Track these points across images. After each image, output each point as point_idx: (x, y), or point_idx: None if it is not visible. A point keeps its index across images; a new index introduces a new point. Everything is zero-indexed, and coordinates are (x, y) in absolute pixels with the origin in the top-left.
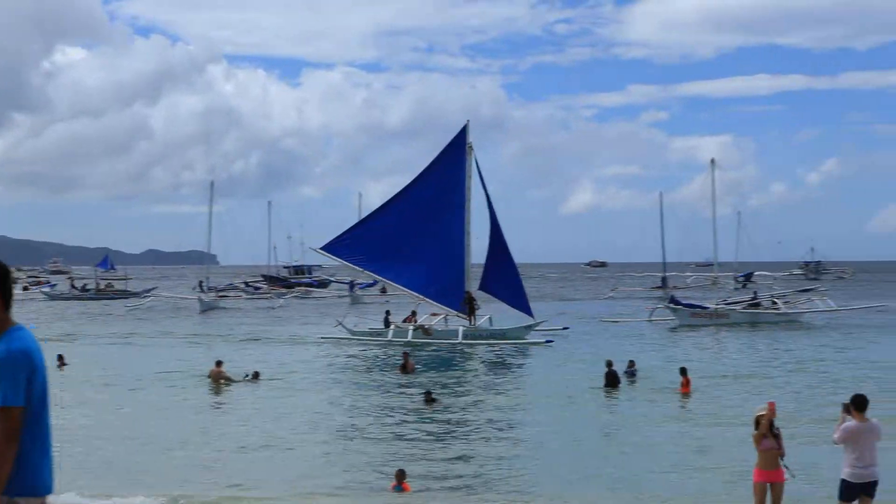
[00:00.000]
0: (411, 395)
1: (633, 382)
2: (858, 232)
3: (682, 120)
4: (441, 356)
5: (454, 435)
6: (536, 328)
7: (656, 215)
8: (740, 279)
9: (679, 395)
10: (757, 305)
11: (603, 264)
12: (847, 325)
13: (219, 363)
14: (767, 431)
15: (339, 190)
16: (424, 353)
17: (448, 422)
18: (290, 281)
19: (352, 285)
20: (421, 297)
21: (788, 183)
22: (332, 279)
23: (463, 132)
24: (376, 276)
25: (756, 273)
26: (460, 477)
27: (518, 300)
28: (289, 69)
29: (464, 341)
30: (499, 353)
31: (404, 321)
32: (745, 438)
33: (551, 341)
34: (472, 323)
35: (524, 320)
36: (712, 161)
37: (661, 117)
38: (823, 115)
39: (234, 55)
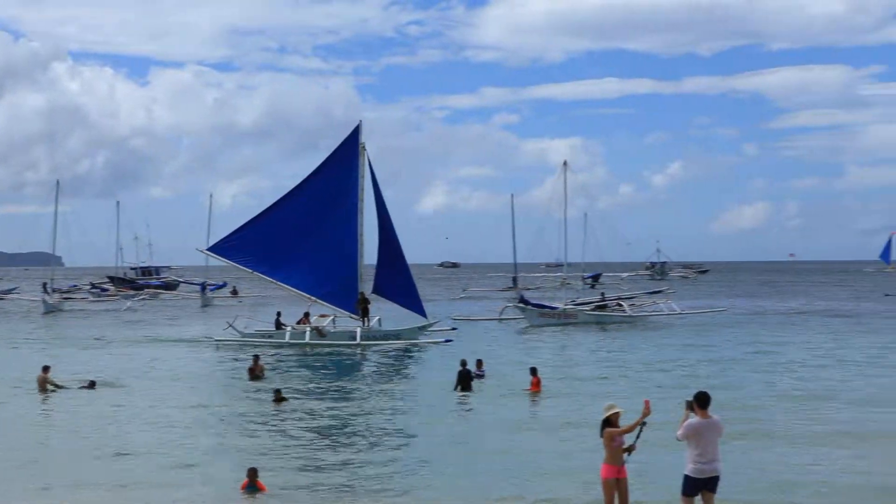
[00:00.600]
0: (261, 398)
1: (481, 382)
2: (702, 232)
3: (532, 122)
4: (335, 358)
5: (307, 438)
6: (430, 328)
7: (508, 216)
8: (588, 280)
9: (529, 394)
10: (604, 307)
11: (455, 265)
12: (691, 323)
13: (45, 368)
14: (621, 431)
15: (190, 191)
16: (316, 356)
17: (300, 422)
18: (138, 283)
19: (203, 287)
20: (312, 298)
21: (636, 185)
22: (181, 280)
23: (355, 132)
24: (265, 278)
25: (604, 274)
26: (318, 481)
27: (411, 301)
28: (136, 67)
29: (362, 342)
30: (393, 354)
31: (298, 323)
32: (594, 439)
33: (450, 340)
34: (366, 324)
35: (416, 321)
36: (565, 163)
37: (512, 120)
38: (669, 118)
39: (80, 52)
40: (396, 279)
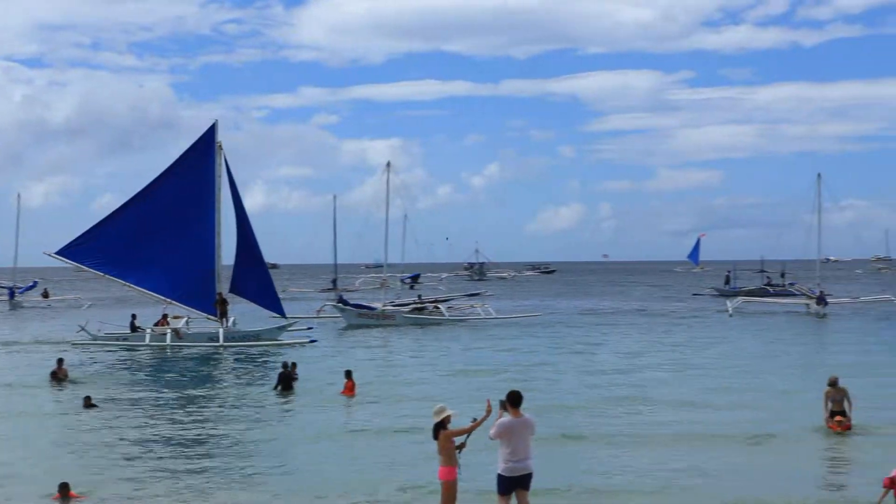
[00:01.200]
0: (69, 404)
1: (295, 383)
2: (519, 233)
3: (352, 123)
4: (193, 360)
5: (119, 445)
6: (289, 328)
7: (329, 217)
8: (407, 280)
9: (344, 397)
10: (422, 308)
11: (274, 266)
12: (509, 325)
13: None
14: (461, 431)
15: None
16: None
17: (111, 430)
18: None
19: (11, 291)
20: (168, 300)
21: (455, 186)
22: None
23: (211, 131)
24: (118, 280)
25: (424, 274)
26: (132, 492)
27: (269, 301)
28: None
29: (225, 343)
30: (245, 355)
31: (156, 325)
32: (417, 441)
33: (315, 340)
34: (224, 325)
35: (269, 320)
36: (388, 164)
37: (332, 120)
38: (486, 120)
39: None
40: (254, 279)
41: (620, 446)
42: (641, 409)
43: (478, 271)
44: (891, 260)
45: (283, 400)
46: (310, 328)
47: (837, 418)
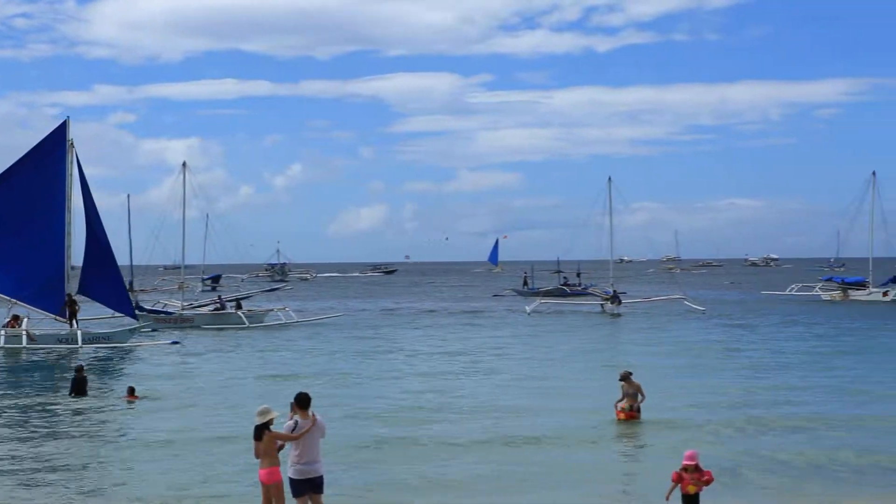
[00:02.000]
0: None
1: (87, 388)
2: (322, 234)
3: (150, 122)
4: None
5: None
6: (142, 331)
7: (124, 217)
8: (207, 281)
9: (136, 403)
10: (222, 309)
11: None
12: (309, 326)
13: None
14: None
15: None
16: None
17: None
18: None
19: None
20: (13, 300)
21: (256, 186)
22: None
23: (62, 128)
24: None
25: (224, 275)
26: None
27: (119, 302)
28: None
29: (83, 346)
30: (109, 356)
31: (5, 326)
32: (214, 450)
33: (178, 342)
34: (73, 327)
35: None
36: (184, 164)
37: (129, 119)
38: (287, 120)
39: None
40: (104, 280)
41: (423, 452)
42: (444, 413)
43: (279, 272)
44: (680, 260)
45: (77, 407)
46: (151, 328)
47: (623, 405)
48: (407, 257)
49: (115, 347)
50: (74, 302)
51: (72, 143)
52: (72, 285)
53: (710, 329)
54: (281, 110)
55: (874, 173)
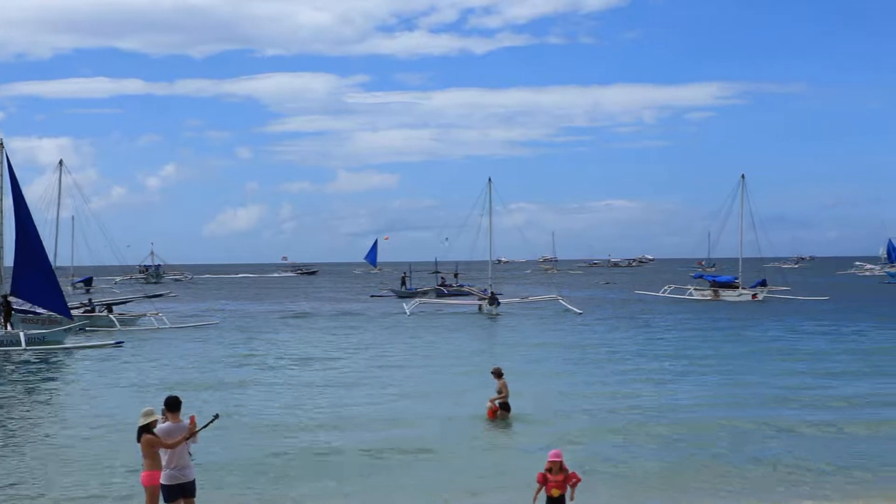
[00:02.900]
0: None
1: None
2: (197, 235)
3: (19, 120)
4: None
5: None
6: (78, 330)
7: None
8: (79, 284)
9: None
10: (93, 312)
11: None
12: (185, 331)
13: None
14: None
15: None
16: None
17: None
18: None
19: None
20: None
21: (130, 187)
22: None
23: None
24: None
25: (97, 277)
26: None
27: (53, 302)
28: None
29: (28, 347)
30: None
31: None
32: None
33: (121, 342)
34: (7, 329)
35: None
36: (60, 162)
37: None
38: (161, 120)
39: None
40: (36, 281)
41: (306, 464)
42: (322, 421)
43: (154, 274)
44: (557, 260)
45: None
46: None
47: (489, 402)
48: (284, 258)
49: (52, 349)
50: (9, 304)
51: (1, 144)
52: (5, 287)
53: (585, 329)
54: (155, 110)
55: (743, 176)
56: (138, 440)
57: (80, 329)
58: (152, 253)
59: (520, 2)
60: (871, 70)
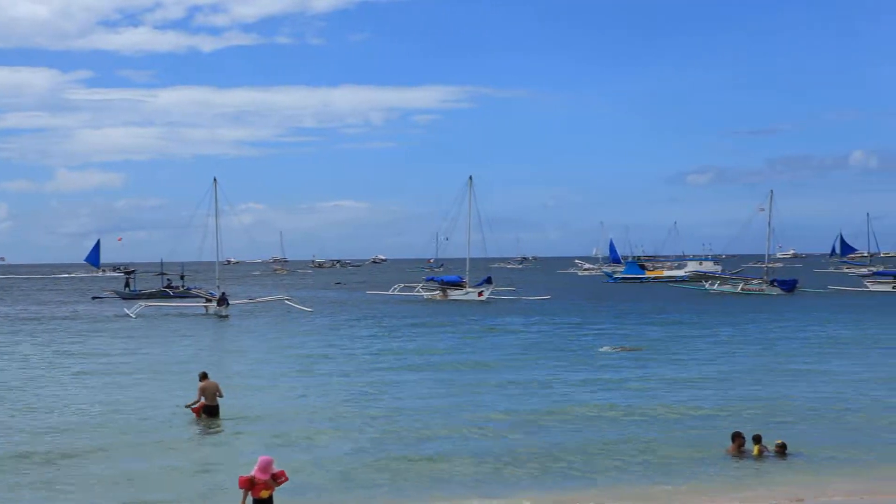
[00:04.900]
0: None
1: None
2: None
3: None
4: None
5: None
6: None
7: None
8: None
9: None
10: None
11: None
12: None
13: None
14: None
15: None
16: None
17: None
18: None
19: None
20: None
21: None
22: None
23: None
24: None
25: None
26: None
27: None
28: None
29: None
30: None
31: None
32: None
33: None
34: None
35: None
36: None
37: None
38: None
39: None
40: None
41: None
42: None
43: None
44: (287, 261)
45: None
46: None
47: (198, 405)
48: (2, 259)
49: None
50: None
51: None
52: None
53: (314, 330)
54: None
55: (471, 178)
56: None
57: None
58: None
59: (247, 1)
60: (592, 77)
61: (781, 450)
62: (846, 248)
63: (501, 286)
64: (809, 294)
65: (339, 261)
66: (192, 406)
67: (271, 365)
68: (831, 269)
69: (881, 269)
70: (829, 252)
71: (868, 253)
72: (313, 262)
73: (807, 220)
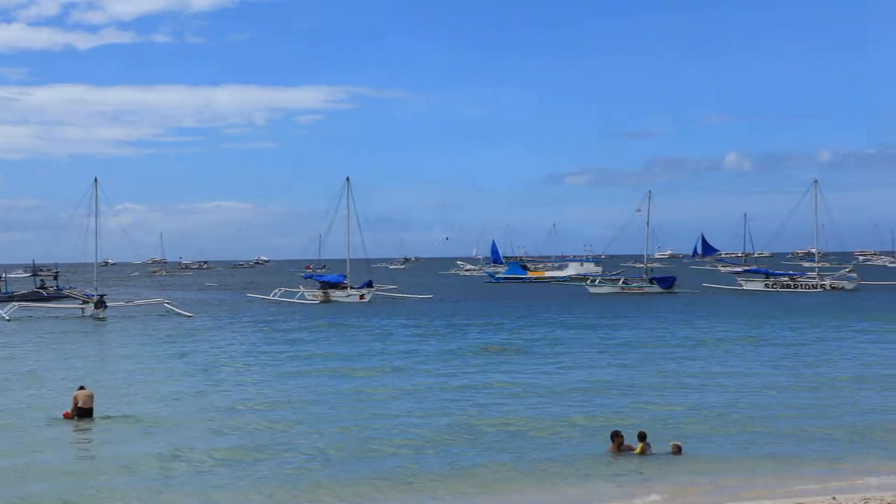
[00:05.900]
0: None
1: None
2: None
3: None
4: None
5: None
6: None
7: None
8: None
9: None
10: None
11: None
12: None
13: None
14: None
15: None
16: None
17: None
18: None
19: None
20: None
21: None
22: None
23: None
24: None
25: None
26: None
27: None
28: None
29: None
30: None
31: None
32: None
33: None
34: None
35: None
36: None
37: None
38: None
39: None
40: None
41: None
42: None
43: None
44: (166, 262)
45: None
46: None
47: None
48: None
49: None
50: None
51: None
52: None
53: (192, 333)
54: None
55: (348, 179)
56: None
57: None
58: None
59: None
60: (473, 77)
61: (677, 451)
62: (708, 249)
63: (383, 286)
64: (685, 294)
65: (205, 262)
66: (66, 412)
67: (147, 370)
68: (708, 267)
69: (753, 267)
70: (691, 253)
71: (743, 252)
72: (180, 264)
73: (683, 221)
